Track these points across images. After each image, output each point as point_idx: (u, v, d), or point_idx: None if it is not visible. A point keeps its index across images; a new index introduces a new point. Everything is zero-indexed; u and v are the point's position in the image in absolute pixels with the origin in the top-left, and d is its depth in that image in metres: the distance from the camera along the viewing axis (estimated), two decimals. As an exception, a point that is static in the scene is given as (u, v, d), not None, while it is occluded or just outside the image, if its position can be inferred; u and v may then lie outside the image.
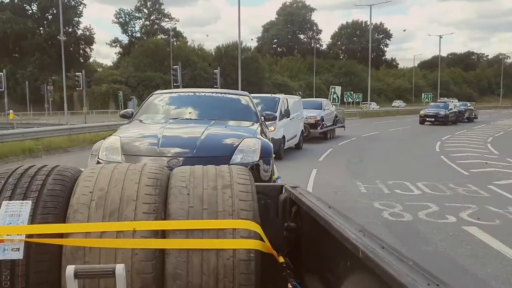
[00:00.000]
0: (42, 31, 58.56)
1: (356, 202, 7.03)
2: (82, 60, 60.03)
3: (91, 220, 1.69)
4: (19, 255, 1.63)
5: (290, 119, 12.97)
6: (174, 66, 28.14)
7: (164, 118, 5.68)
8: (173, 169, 2.01)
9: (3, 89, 23.97)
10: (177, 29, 72.63)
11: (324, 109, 18.48)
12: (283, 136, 11.84)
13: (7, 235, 1.64)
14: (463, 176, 9.55)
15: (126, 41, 72.53)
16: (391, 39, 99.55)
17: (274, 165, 5.08)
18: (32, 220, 1.68)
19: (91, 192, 1.75)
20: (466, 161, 11.84)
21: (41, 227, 1.67)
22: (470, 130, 24.79)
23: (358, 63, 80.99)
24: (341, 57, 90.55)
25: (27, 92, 42.54)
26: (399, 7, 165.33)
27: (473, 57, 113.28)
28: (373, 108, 58.33)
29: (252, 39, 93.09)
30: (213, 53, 64.54)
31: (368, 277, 1.23)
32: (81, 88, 25.96)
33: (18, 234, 1.64)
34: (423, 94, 62.55)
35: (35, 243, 1.64)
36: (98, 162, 4.35)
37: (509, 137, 20.94)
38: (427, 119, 30.13)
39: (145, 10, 73.00)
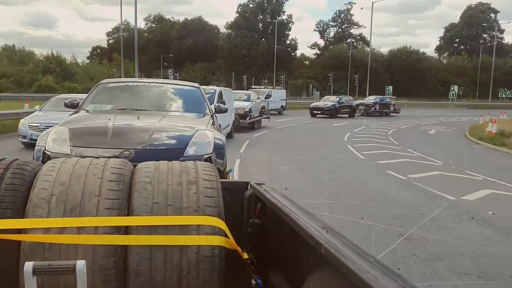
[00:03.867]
0: (264, 42, 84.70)
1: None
2: (288, 62, 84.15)
3: (51, 216, 1.65)
4: None
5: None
6: (329, 74, 47.46)
7: (114, 109, 5.42)
8: (138, 164, 1.98)
9: (244, 84, 47.95)
10: (362, 35, 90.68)
11: (252, 101, 19.35)
12: (219, 125, 11.85)
13: None
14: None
15: (322, 44, 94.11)
16: None
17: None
18: None
19: (51, 187, 1.71)
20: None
21: None
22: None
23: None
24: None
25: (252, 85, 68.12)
26: None
27: None
28: None
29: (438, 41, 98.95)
30: (387, 55, 79.94)
31: (330, 274, 1.26)
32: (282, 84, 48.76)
33: None
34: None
35: None
36: (44, 154, 4.23)
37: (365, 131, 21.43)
38: (315, 111, 30.16)
39: (339, 20, 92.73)
